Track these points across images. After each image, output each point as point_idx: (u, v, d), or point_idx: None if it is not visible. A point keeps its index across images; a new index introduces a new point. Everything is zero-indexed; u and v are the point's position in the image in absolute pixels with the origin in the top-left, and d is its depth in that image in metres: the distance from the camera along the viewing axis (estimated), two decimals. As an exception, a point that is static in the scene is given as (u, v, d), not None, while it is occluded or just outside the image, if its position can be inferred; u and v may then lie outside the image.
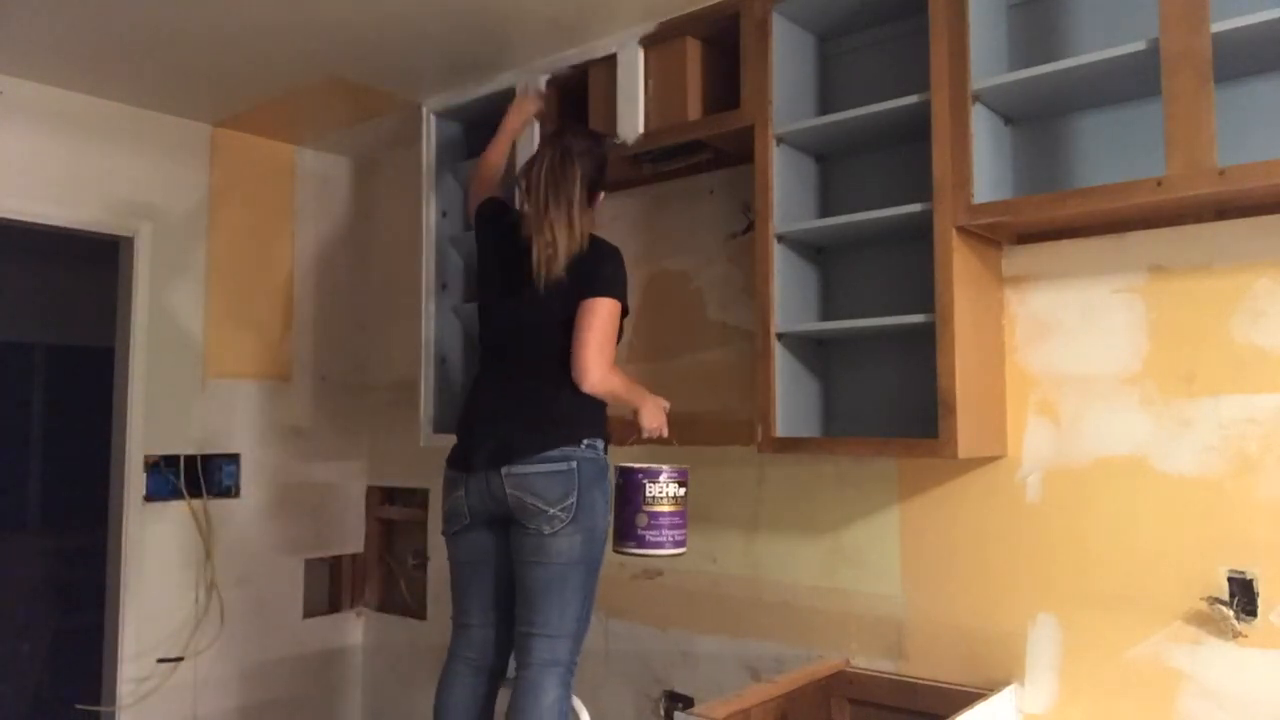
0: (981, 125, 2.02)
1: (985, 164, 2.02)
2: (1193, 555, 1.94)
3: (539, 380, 2.25)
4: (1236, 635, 1.88)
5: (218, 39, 2.67)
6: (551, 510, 2.14)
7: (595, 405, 2.24)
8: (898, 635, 2.33)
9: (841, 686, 2.34)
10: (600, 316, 2.18)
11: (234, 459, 3.40)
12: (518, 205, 2.49)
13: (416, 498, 3.59)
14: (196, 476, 3.28)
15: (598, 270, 2.23)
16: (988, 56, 2.04)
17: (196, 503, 3.28)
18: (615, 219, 2.99)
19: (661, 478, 2.26)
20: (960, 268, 2.01)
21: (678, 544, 2.27)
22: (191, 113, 3.27)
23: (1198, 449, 1.95)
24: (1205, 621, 1.91)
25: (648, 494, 2.24)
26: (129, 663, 3.10)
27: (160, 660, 3.16)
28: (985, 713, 2.02)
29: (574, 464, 2.16)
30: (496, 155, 2.68)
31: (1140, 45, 1.79)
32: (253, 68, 2.88)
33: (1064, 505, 2.11)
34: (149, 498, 3.17)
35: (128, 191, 3.18)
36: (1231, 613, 1.87)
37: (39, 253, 5.05)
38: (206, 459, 3.32)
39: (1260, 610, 1.86)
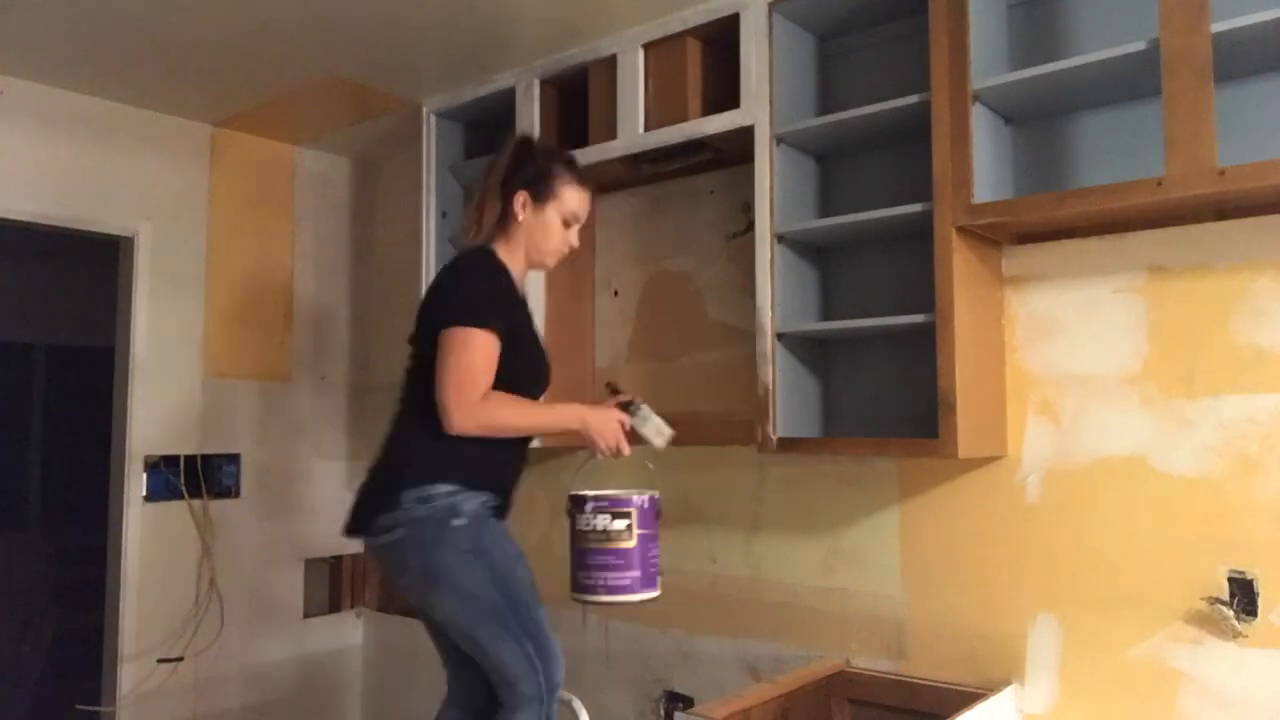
0: (981, 125, 2.02)
1: (985, 164, 2.02)
2: (1193, 555, 1.93)
3: (390, 432, 2.07)
4: (1236, 635, 1.88)
5: (218, 39, 2.67)
6: (402, 582, 1.98)
7: (441, 446, 1.92)
8: (898, 635, 2.33)
9: (841, 686, 2.34)
10: (457, 349, 1.89)
11: (234, 459, 3.40)
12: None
13: (416, 498, 3.58)
14: (196, 476, 3.28)
15: (453, 289, 1.99)
16: (988, 56, 2.04)
17: (196, 503, 3.28)
18: (615, 219, 2.99)
19: (587, 508, 1.95)
20: (960, 268, 2.01)
21: (614, 589, 1.93)
22: (191, 113, 3.27)
23: (1198, 449, 1.95)
24: (1205, 621, 1.91)
25: (577, 527, 1.98)
26: (129, 663, 3.10)
27: (160, 660, 3.16)
28: (985, 713, 2.01)
29: (401, 531, 1.91)
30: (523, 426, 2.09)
31: (1140, 45, 1.79)
32: (253, 68, 2.88)
33: (1064, 505, 2.11)
34: (149, 498, 3.17)
35: (128, 191, 3.18)
36: (1231, 613, 1.87)
37: (39, 253, 5.06)
38: (206, 459, 3.32)
39: (1260, 610, 1.86)
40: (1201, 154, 1.69)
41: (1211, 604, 1.89)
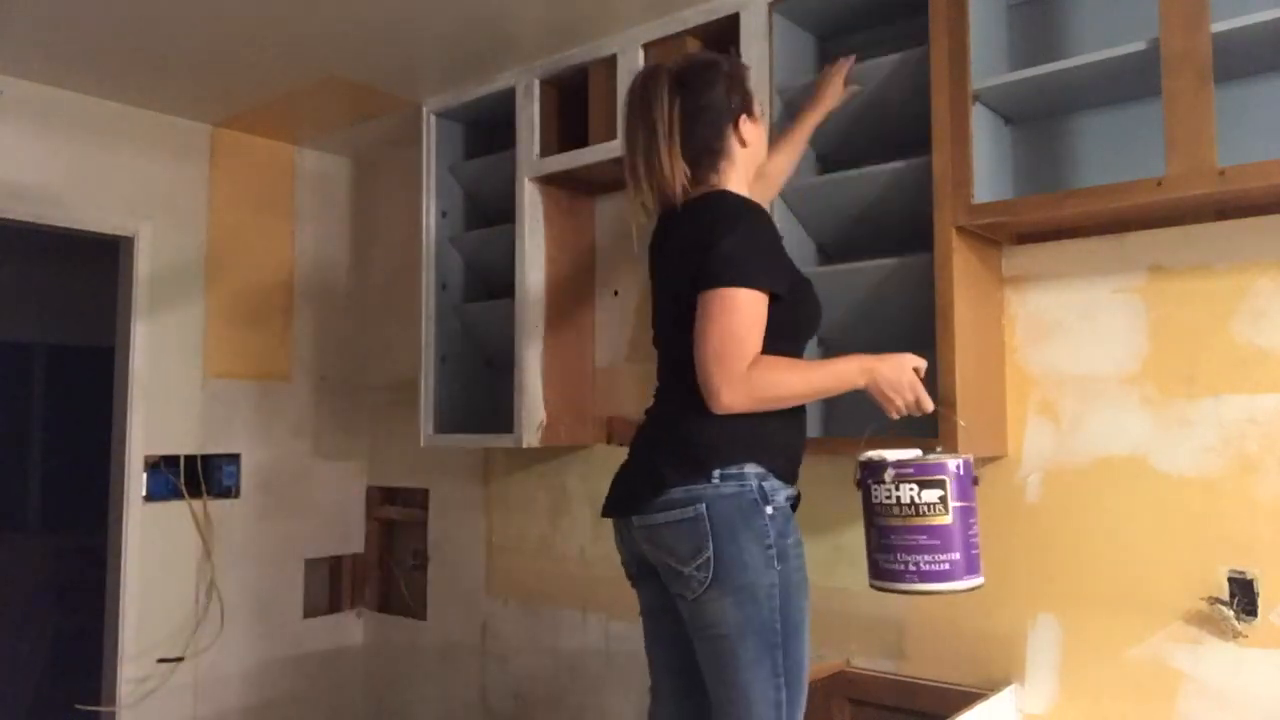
0: (981, 125, 2.02)
1: (985, 164, 2.02)
2: (1193, 555, 1.93)
3: (661, 399, 1.80)
4: (1236, 635, 1.88)
5: (218, 39, 2.67)
6: (686, 570, 1.64)
7: (742, 423, 1.66)
8: (898, 635, 2.33)
9: (841, 686, 2.34)
10: (715, 314, 1.61)
11: (234, 459, 3.40)
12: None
13: (416, 498, 3.59)
14: (196, 476, 3.28)
15: (713, 245, 1.64)
16: (988, 56, 2.04)
17: (196, 503, 3.28)
18: (615, 219, 2.99)
19: (887, 475, 1.62)
20: (960, 268, 2.01)
21: (927, 576, 1.60)
22: (191, 113, 3.27)
23: (1198, 449, 1.95)
24: (1205, 621, 1.91)
25: (873, 500, 1.65)
26: (129, 663, 3.10)
27: (160, 660, 3.16)
28: (985, 713, 2.01)
29: (701, 506, 1.63)
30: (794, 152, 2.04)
31: (1140, 45, 1.79)
32: (253, 68, 2.88)
33: (1064, 505, 2.11)
34: (149, 498, 3.17)
35: (128, 191, 3.18)
36: (1231, 613, 1.87)
37: (39, 253, 5.05)
38: (206, 459, 3.32)
39: (1260, 610, 1.86)
40: (1201, 154, 1.69)
41: (1211, 604, 1.89)
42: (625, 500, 1.74)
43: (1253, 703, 1.86)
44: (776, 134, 2.19)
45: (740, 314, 1.61)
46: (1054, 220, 2.03)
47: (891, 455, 1.65)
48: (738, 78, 1.80)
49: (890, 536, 1.63)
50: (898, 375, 1.71)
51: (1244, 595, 1.87)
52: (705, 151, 1.76)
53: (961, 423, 1.78)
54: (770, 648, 1.62)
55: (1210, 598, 1.90)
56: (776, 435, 1.72)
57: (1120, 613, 2.01)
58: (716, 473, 1.64)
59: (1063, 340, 2.12)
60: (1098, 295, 2.08)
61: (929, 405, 1.73)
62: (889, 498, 1.62)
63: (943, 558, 1.61)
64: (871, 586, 1.73)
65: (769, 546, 1.63)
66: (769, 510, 1.65)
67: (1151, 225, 2.01)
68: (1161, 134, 1.74)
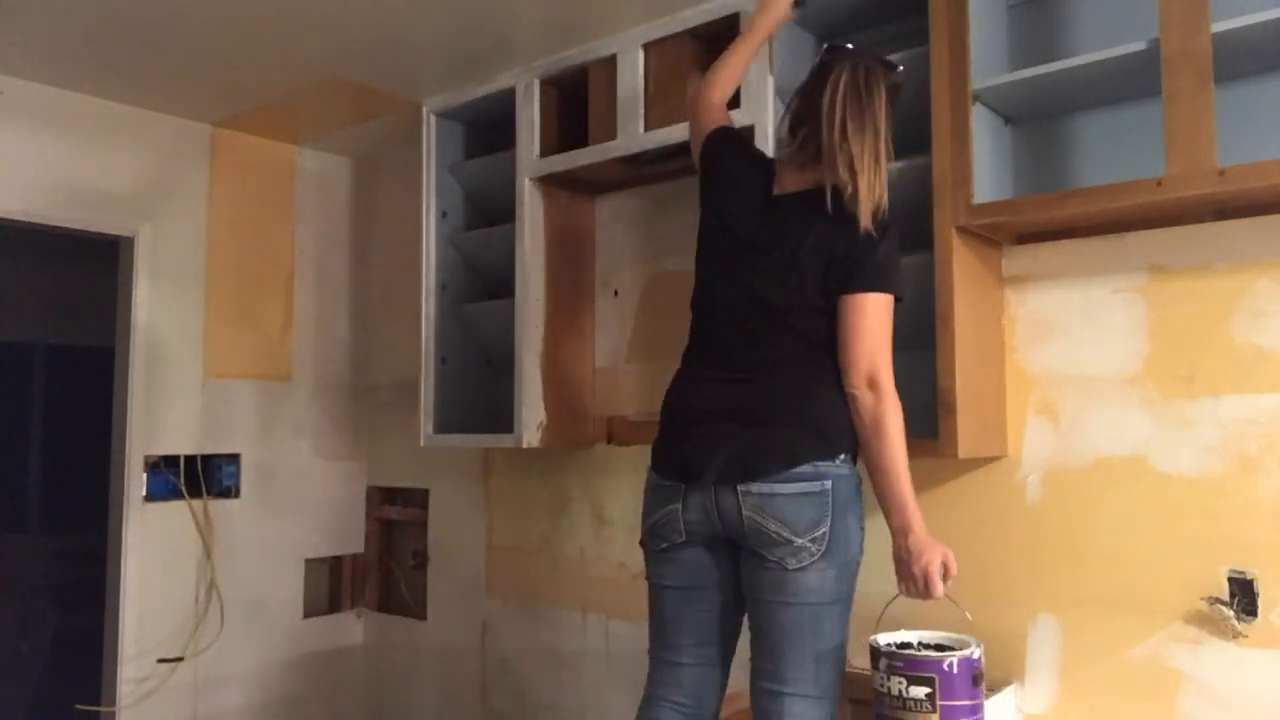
0: (981, 125, 2.02)
1: (985, 164, 2.02)
2: (1193, 555, 1.93)
3: (788, 370, 1.80)
4: (1236, 635, 1.88)
5: (218, 39, 2.67)
6: (799, 540, 1.70)
7: (846, 411, 1.77)
8: (898, 635, 2.32)
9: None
10: (883, 314, 1.76)
11: (234, 459, 3.40)
12: (775, 147, 2.11)
13: (416, 498, 3.59)
14: (196, 476, 3.28)
15: (874, 248, 1.75)
16: (988, 56, 2.04)
17: (196, 503, 3.28)
18: (615, 219, 2.99)
19: (881, 665, 1.63)
20: (960, 268, 2.01)
21: None
22: (191, 113, 3.27)
23: (1198, 449, 1.95)
24: (1205, 621, 1.91)
25: (874, 684, 1.66)
26: (129, 663, 3.10)
27: (160, 660, 3.16)
28: (985, 713, 2.01)
29: (828, 483, 1.72)
30: (738, 65, 2.06)
31: (1140, 45, 1.79)
32: (253, 68, 2.88)
33: (1064, 505, 2.11)
34: (149, 498, 3.17)
35: (128, 191, 3.18)
36: (1231, 613, 1.87)
37: (39, 253, 5.05)
38: (206, 459, 3.32)
39: (1260, 610, 1.86)
40: (1201, 154, 1.69)
41: (1211, 604, 1.89)
42: (745, 467, 1.75)
43: (1253, 703, 1.86)
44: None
45: (890, 318, 1.78)
46: (1054, 220, 2.03)
47: (886, 640, 1.73)
48: (892, 85, 1.84)
49: None
50: (929, 548, 1.72)
51: (1244, 595, 1.87)
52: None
53: (969, 616, 1.80)
54: (845, 613, 1.78)
55: (1210, 598, 1.90)
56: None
57: (1120, 613, 2.01)
58: (843, 455, 1.76)
59: (1063, 340, 2.12)
60: (1098, 295, 2.08)
61: (938, 593, 1.71)
62: (881, 686, 1.65)
63: None
64: None
65: (862, 527, 1.79)
66: (862, 494, 1.80)
67: (1151, 225, 2.01)
68: (1161, 134, 1.74)
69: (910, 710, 1.57)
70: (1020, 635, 2.14)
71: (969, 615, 1.80)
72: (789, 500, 1.71)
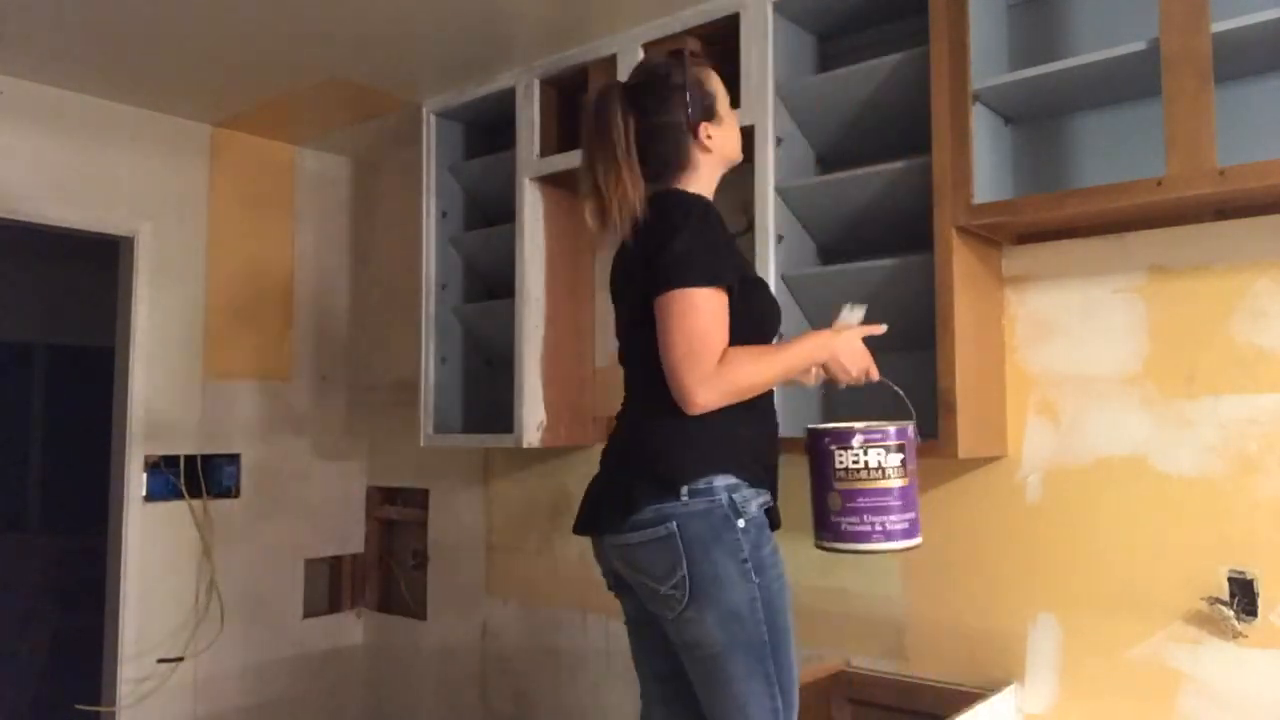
0: (981, 125, 2.02)
1: (985, 164, 2.02)
2: (1193, 555, 1.93)
3: (627, 411, 1.76)
4: (1236, 635, 1.87)
5: (218, 39, 2.67)
6: (663, 589, 1.61)
7: (711, 430, 1.63)
8: (898, 635, 2.33)
9: (841, 687, 2.34)
10: (677, 315, 1.59)
11: (234, 459, 3.40)
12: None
13: (416, 498, 3.59)
14: (196, 476, 3.28)
15: (663, 246, 1.63)
16: (988, 56, 2.04)
17: (196, 503, 3.28)
18: (615, 219, 2.99)
19: (855, 441, 1.67)
20: (960, 268, 2.01)
21: (892, 535, 1.67)
22: (191, 113, 3.27)
23: (1198, 449, 1.95)
24: (1205, 621, 1.91)
25: (838, 465, 1.67)
26: (129, 663, 3.10)
27: (160, 660, 3.16)
28: (985, 713, 2.01)
29: (672, 525, 1.59)
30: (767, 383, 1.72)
31: (1140, 45, 1.79)
32: (253, 68, 2.88)
33: (1064, 505, 2.11)
34: (149, 498, 3.17)
35: (128, 191, 3.18)
36: (1231, 613, 1.87)
37: (39, 253, 5.05)
38: (206, 459, 3.32)
39: (1260, 610, 1.86)
40: (1201, 154, 1.69)
41: (1211, 604, 1.89)
42: (596, 519, 1.71)
43: (1253, 703, 1.86)
44: None
45: (701, 312, 1.59)
46: (1054, 220, 2.02)
47: (858, 424, 1.70)
48: (693, 84, 1.74)
49: (857, 499, 1.67)
50: (853, 347, 1.74)
51: (1244, 595, 1.87)
52: (664, 166, 1.74)
53: (898, 390, 1.79)
54: (760, 660, 1.61)
55: (1210, 598, 1.90)
56: (745, 441, 1.68)
57: (1120, 613, 2.01)
58: (685, 490, 1.60)
59: (1063, 340, 2.12)
60: (1098, 295, 2.08)
61: (876, 375, 1.76)
62: (856, 462, 1.67)
63: (904, 516, 1.68)
64: (829, 550, 1.73)
65: (744, 560, 1.61)
66: (741, 524, 1.61)
67: (1151, 225, 2.01)
68: (1161, 134, 1.74)
69: (889, 477, 1.67)
70: (1020, 635, 2.14)
71: (898, 389, 1.79)
72: (637, 549, 1.63)
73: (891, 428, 1.69)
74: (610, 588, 1.83)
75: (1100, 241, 2.08)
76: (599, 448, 2.94)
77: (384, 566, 3.72)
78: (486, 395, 3.18)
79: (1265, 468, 1.87)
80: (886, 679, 2.30)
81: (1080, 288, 2.11)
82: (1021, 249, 2.19)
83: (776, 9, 2.30)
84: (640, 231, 1.69)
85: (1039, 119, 2.14)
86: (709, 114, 1.76)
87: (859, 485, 1.67)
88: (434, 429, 3.05)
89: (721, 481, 1.62)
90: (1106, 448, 2.06)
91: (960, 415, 1.96)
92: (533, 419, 2.79)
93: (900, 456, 1.67)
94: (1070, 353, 2.11)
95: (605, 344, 2.99)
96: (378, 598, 3.71)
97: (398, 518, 3.68)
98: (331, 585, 3.68)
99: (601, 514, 1.69)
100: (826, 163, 2.45)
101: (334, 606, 3.67)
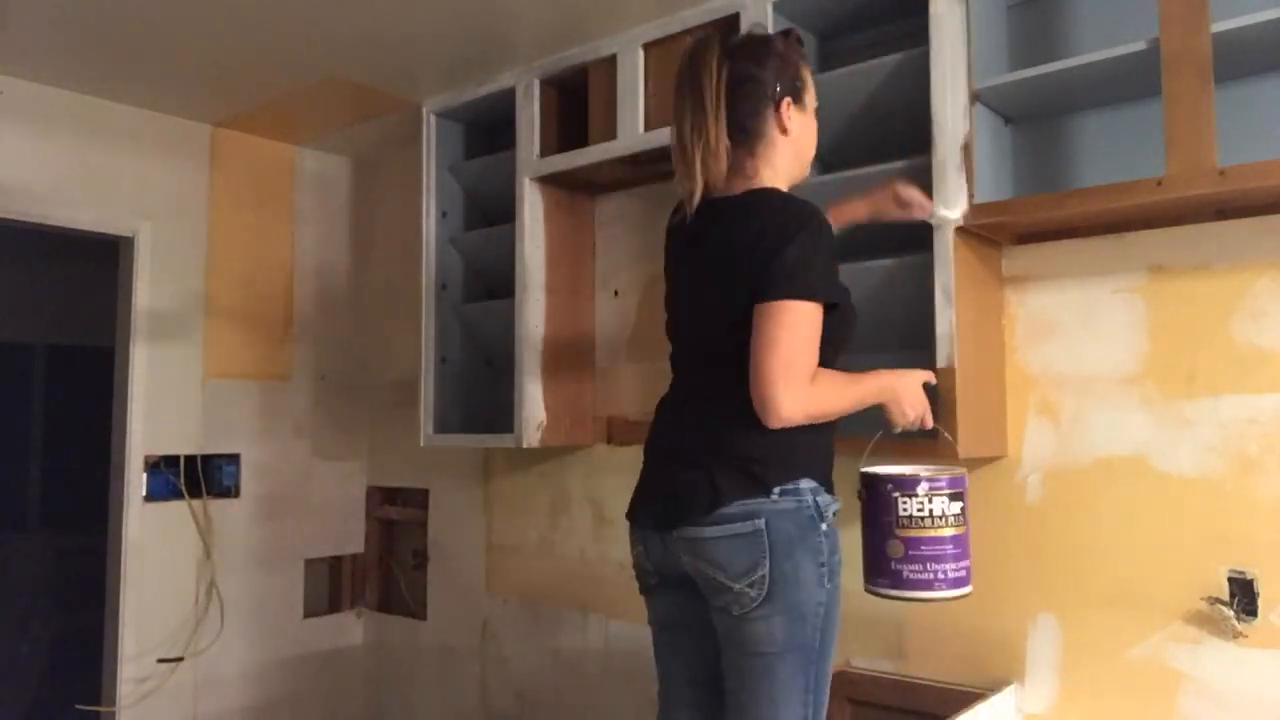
0: (982, 125, 2.02)
1: (985, 164, 2.02)
2: (1193, 555, 1.93)
3: (705, 403, 1.70)
4: (1236, 635, 1.88)
5: (218, 39, 2.67)
6: (737, 586, 1.59)
7: (798, 433, 1.61)
8: (898, 635, 2.33)
9: (841, 687, 2.34)
10: (782, 326, 1.55)
11: (234, 459, 3.40)
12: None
13: (416, 498, 3.59)
14: (196, 476, 3.28)
15: (777, 252, 1.57)
16: (988, 56, 2.04)
17: (196, 503, 3.28)
18: (615, 219, 2.99)
19: (920, 489, 1.67)
20: (960, 268, 2.01)
21: (954, 583, 1.67)
22: (191, 113, 3.27)
23: (1198, 449, 1.95)
24: (1205, 621, 1.91)
25: (901, 512, 1.67)
26: (129, 663, 3.10)
27: (160, 660, 3.16)
28: (985, 713, 2.01)
29: (760, 522, 1.58)
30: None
31: (1140, 45, 1.79)
32: (253, 68, 2.88)
33: (1064, 505, 2.11)
34: (149, 498, 3.17)
35: (128, 191, 3.18)
36: (1232, 613, 1.87)
37: (39, 253, 5.05)
38: (206, 459, 3.32)
39: (1260, 610, 1.86)
40: (1201, 154, 1.69)
41: (1211, 604, 1.89)
42: (671, 512, 1.66)
43: (1253, 703, 1.86)
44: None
45: (804, 328, 1.57)
46: (1054, 220, 2.02)
47: (924, 471, 1.71)
48: (790, 60, 1.71)
49: (920, 547, 1.67)
50: (915, 391, 1.74)
51: (1244, 595, 1.87)
52: (740, 129, 1.67)
53: (950, 436, 1.82)
54: (807, 665, 1.61)
55: (1210, 598, 1.90)
56: (825, 447, 1.70)
57: (1120, 613, 2.01)
58: (776, 489, 1.60)
59: (1063, 340, 2.12)
60: (1098, 295, 2.08)
61: (931, 422, 1.75)
62: (920, 510, 1.67)
63: (961, 565, 1.68)
64: (889, 597, 1.71)
65: (822, 565, 1.61)
66: (824, 527, 1.62)
67: (1151, 225, 2.01)
68: (1161, 134, 1.74)
69: (950, 525, 1.67)
70: (1020, 635, 2.14)
71: (949, 437, 1.81)
72: (718, 544, 1.60)
73: (949, 476, 1.69)
74: (647, 586, 1.79)
75: (1100, 241, 2.08)
76: (599, 447, 2.97)
77: (384, 566, 3.72)
78: (486, 395, 3.18)
79: (1265, 468, 1.87)
80: (886, 679, 2.30)
81: (1080, 288, 2.11)
82: (1021, 249, 2.19)
83: (776, 9, 2.30)
84: (744, 219, 1.64)
85: (1039, 119, 2.14)
86: (796, 95, 1.71)
87: (921, 533, 1.66)
88: (434, 429, 3.05)
89: (807, 484, 1.62)
90: (1106, 448, 2.06)
91: (960, 415, 1.96)
92: (533, 419, 2.79)
93: (960, 505, 1.68)
94: (1070, 353, 2.11)
95: (605, 344, 2.99)
96: (378, 598, 3.71)
97: (398, 518, 3.68)
98: (331, 585, 3.68)
99: (677, 507, 1.64)
100: (826, 163, 2.45)
101: (334, 606, 3.67)
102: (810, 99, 1.76)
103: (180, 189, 3.31)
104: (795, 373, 1.54)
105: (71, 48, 2.73)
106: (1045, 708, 2.11)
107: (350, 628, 3.71)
